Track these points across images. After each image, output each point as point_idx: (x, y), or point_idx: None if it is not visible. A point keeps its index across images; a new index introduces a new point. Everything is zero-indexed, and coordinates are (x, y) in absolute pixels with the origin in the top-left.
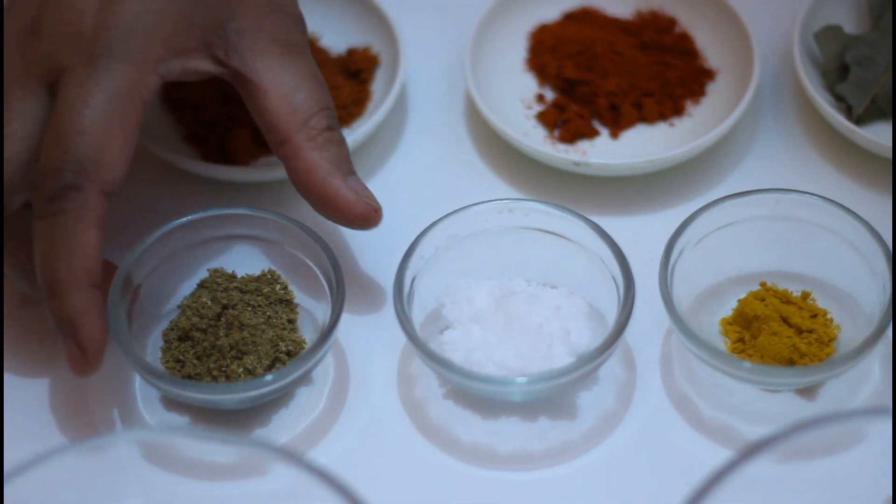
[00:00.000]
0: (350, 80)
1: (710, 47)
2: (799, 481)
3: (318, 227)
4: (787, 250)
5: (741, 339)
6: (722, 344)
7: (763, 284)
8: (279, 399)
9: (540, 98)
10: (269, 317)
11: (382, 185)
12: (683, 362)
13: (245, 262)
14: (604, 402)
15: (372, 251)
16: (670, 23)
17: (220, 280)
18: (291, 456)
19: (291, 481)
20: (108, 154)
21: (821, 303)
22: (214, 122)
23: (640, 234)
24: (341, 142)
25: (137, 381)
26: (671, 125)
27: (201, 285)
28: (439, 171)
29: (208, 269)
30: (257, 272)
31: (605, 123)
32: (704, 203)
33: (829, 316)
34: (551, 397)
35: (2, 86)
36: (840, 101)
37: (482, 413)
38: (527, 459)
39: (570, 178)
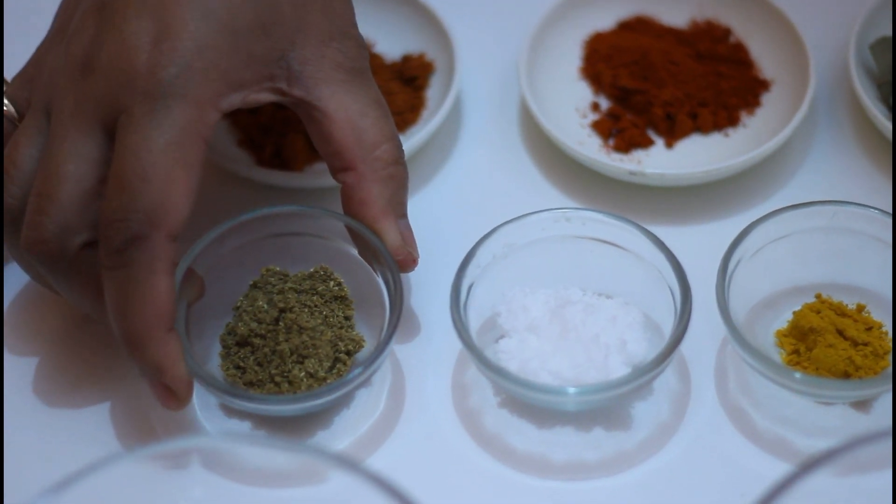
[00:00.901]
0: (405, 86)
1: (765, 57)
2: (857, 495)
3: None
4: (843, 262)
5: (796, 351)
6: (777, 356)
7: (818, 296)
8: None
9: (595, 107)
10: (326, 316)
11: (437, 191)
12: (738, 373)
13: (297, 259)
14: (658, 413)
15: (427, 257)
16: (725, 32)
17: (273, 280)
18: (350, 463)
19: (350, 488)
20: (172, 199)
21: (875, 315)
22: (270, 127)
23: (694, 243)
24: (403, 179)
25: (196, 388)
26: (726, 135)
27: (255, 286)
28: (494, 178)
29: (261, 269)
30: (310, 269)
31: (660, 133)
32: (759, 214)
33: (884, 329)
34: (606, 407)
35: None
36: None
37: (537, 422)
38: (581, 469)
39: (624, 188)
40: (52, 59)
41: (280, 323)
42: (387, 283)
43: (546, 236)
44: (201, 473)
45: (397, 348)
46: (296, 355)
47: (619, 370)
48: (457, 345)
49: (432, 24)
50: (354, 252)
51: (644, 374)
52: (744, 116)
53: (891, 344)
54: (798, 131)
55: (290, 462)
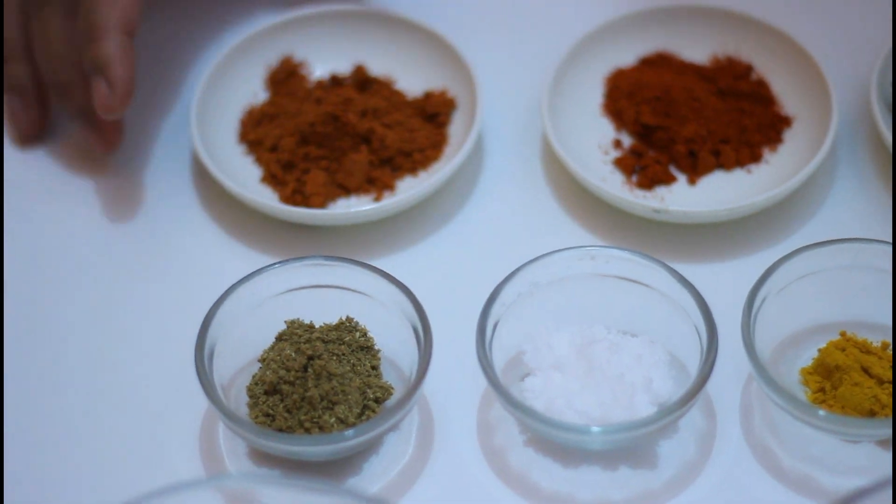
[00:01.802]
0: (427, 123)
1: (787, 94)
2: None
3: (397, 272)
4: (867, 300)
5: (822, 389)
6: (802, 394)
7: (843, 334)
8: (370, 446)
9: (617, 144)
10: (354, 364)
11: (460, 229)
12: (764, 411)
13: (321, 310)
14: (684, 451)
15: (453, 296)
16: (747, 69)
17: (299, 332)
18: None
19: None
20: None
21: None
22: (291, 164)
23: (718, 280)
24: None
25: (221, 433)
26: (749, 172)
27: (280, 338)
28: (517, 215)
29: (285, 321)
30: (334, 320)
31: (683, 170)
32: (782, 250)
33: None
34: (632, 446)
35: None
36: None
37: (563, 461)
38: None
39: (648, 225)
40: None
41: (308, 370)
42: (415, 328)
43: (570, 274)
44: None
45: (424, 387)
46: (326, 401)
47: (645, 409)
48: (483, 383)
49: (454, 60)
50: (379, 302)
51: (670, 414)
52: (766, 153)
53: None
54: (820, 168)
55: None
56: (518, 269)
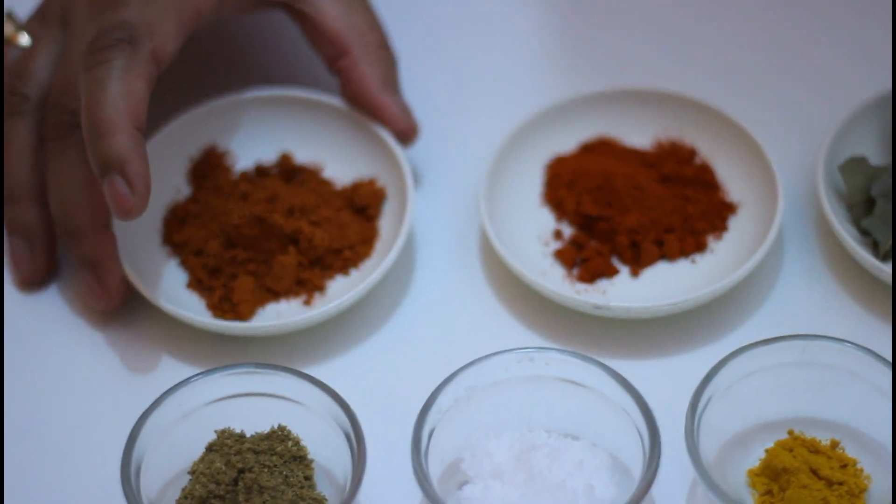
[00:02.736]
0: (356, 216)
1: (732, 179)
2: None
3: (331, 377)
4: (815, 396)
5: (769, 492)
6: (750, 497)
7: (791, 433)
8: None
9: (558, 234)
10: (286, 476)
11: (393, 331)
12: None
13: (252, 419)
14: None
15: (388, 401)
16: (691, 153)
17: (229, 442)
18: None
19: None
20: (165, 27)
21: (850, 451)
22: (218, 269)
23: (663, 377)
24: (393, 61)
25: None
26: (693, 262)
27: (210, 448)
28: (454, 314)
29: (216, 431)
30: (266, 429)
31: (626, 261)
32: (729, 343)
33: (859, 466)
34: None
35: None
36: (867, 235)
37: None
38: None
39: (590, 320)
40: None
41: (239, 483)
42: (348, 436)
43: (509, 377)
44: None
45: (359, 497)
46: None
47: None
48: (419, 492)
49: (382, 147)
50: (311, 410)
51: None
52: (711, 241)
53: (866, 482)
54: (767, 257)
55: None
56: (454, 374)
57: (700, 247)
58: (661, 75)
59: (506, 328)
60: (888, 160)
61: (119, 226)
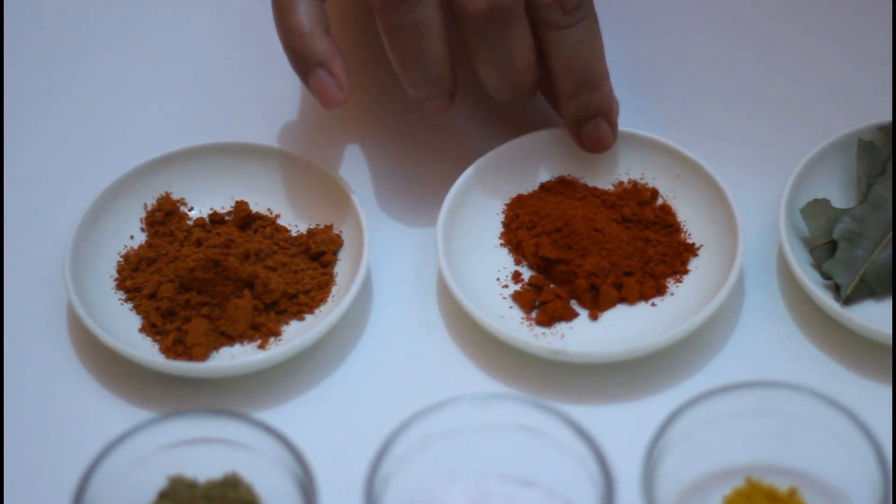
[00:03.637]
0: (312, 262)
1: (693, 221)
2: None
3: (285, 423)
4: (774, 443)
5: None
6: None
7: (748, 480)
8: None
9: (517, 276)
10: None
11: (348, 376)
12: None
13: (205, 465)
14: None
15: (342, 447)
16: (652, 194)
17: (181, 489)
18: None
19: None
20: None
21: (809, 499)
22: (172, 312)
23: (620, 423)
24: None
25: None
26: (653, 305)
27: (162, 496)
28: (411, 358)
29: (167, 478)
30: (219, 475)
31: (584, 305)
32: (688, 388)
33: None
34: None
35: None
36: (829, 279)
37: None
38: None
39: (548, 364)
40: None
41: None
42: (301, 484)
43: (465, 425)
44: None
45: None
46: None
47: None
48: None
49: (338, 193)
50: (264, 457)
51: None
52: (671, 284)
53: None
54: (727, 301)
55: None
56: (409, 422)
57: (660, 290)
58: (621, 116)
59: (463, 372)
60: (850, 202)
61: (72, 273)
